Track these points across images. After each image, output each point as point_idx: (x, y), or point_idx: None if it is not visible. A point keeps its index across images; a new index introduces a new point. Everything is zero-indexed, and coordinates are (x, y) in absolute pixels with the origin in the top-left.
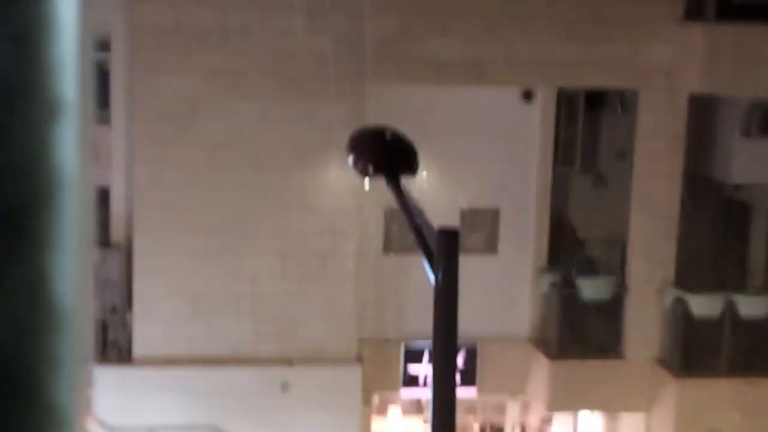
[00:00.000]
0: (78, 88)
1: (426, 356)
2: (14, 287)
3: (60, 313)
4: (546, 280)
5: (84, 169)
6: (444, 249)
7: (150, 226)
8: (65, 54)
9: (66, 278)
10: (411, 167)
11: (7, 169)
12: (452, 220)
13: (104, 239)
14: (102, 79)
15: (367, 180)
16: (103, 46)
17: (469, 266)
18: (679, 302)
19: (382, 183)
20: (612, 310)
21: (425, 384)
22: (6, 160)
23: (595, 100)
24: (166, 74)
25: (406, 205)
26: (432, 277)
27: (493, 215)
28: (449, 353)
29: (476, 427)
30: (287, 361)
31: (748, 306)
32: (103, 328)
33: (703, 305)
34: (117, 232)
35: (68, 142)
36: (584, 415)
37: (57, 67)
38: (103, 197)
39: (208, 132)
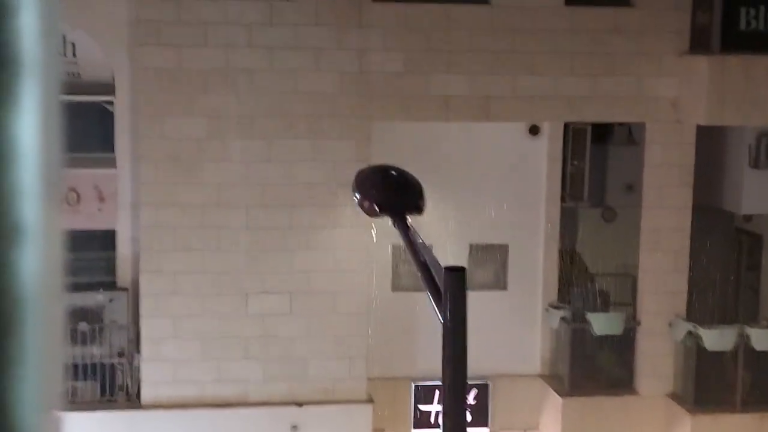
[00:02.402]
0: (41, 212)
1: (436, 395)
2: None
3: None
4: (556, 316)
5: (50, 293)
6: (451, 287)
7: (157, 267)
8: (25, 180)
9: (31, 408)
10: (417, 205)
11: None
12: (461, 257)
13: (111, 282)
14: (107, 121)
15: (373, 219)
16: (108, 88)
17: (478, 303)
18: (692, 336)
19: (388, 221)
20: (624, 344)
21: (436, 423)
22: None
23: (602, 133)
24: (170, 116)
25: (412, 243)
26: (439, 316)
27: (502, 251)
28: (458, 392)
29: None
30: (297, 403)
31: (761, 338)
32: (111, 372)
33: (716, 338)
34: (124, 275)
35: (30, 269)
36: None
37: (16, 193)
38: (110, 239)
39: (214, 172)
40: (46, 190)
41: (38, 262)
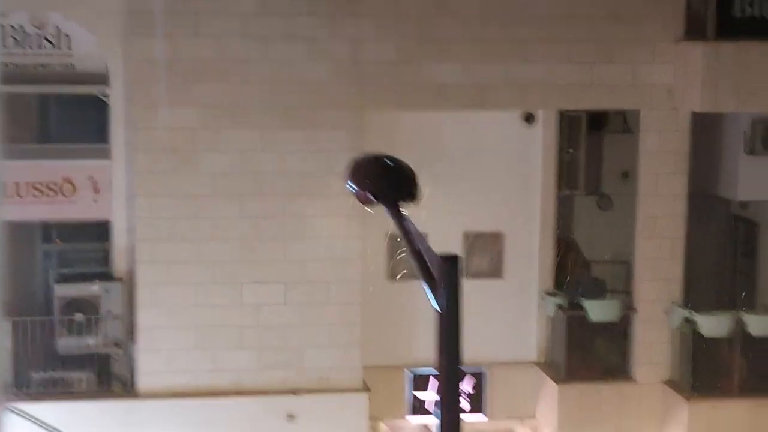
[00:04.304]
0: None
1: (432, 383)
2: None
3: None
4: (552, 303)
5: None
6: (445, 275)
7: (152, 258)
8: None
9: None
10: (411, 194)
11: None
12: (456, 245)
13: (106, 272)
14: (102, 112)
15: (368, 207)
16: (103, 79)
17: (474, 291)
18: (688, 322)
19: (383, 209)
20: (620, 331)
21: (432, 411)
22: None
23: (598, 120)
24: (164, 106)
25: (406, 231)
26: (434, 304)
27: (498, 239)
28: (453, 379)
29: None
30: (293, 391)
31: (758, 324)
32: (107, 362)
33: (712, 325)
34: (119, 265)
35: None
36: None
37: None
38: (105, 230)
39: (208, 162)
40: None
41: None
